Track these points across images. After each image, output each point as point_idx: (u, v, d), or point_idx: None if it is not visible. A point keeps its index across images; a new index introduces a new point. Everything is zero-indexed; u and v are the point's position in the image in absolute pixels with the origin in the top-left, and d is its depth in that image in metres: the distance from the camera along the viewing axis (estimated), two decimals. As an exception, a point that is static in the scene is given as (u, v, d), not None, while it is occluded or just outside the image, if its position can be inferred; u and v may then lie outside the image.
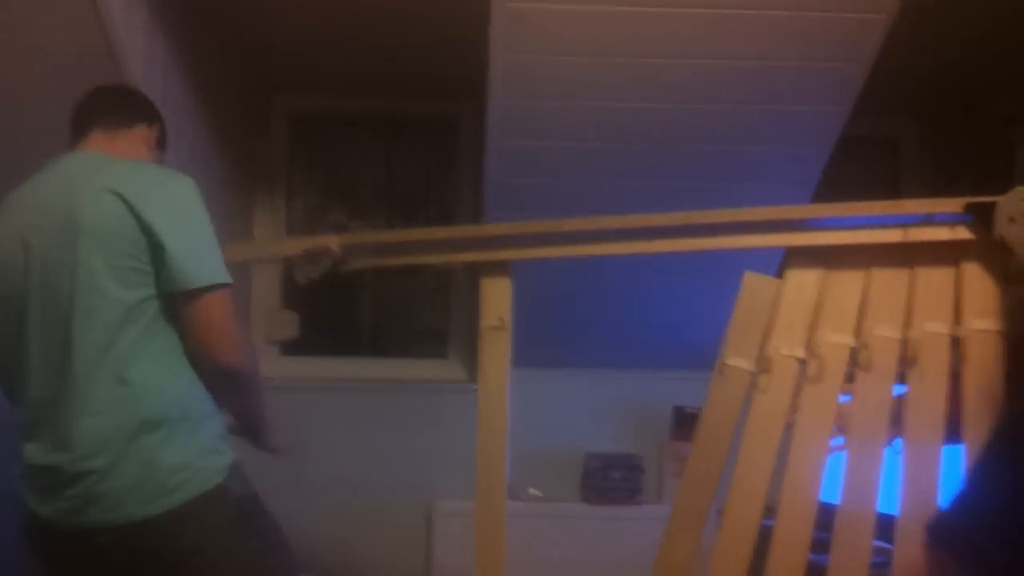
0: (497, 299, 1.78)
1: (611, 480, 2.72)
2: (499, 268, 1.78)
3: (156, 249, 1.33)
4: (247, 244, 1.73)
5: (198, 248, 1.39)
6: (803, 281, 1.62)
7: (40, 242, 1.37)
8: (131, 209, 1.33)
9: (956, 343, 1.54)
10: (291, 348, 2.80)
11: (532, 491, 2.73)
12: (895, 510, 1.52)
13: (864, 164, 3.07)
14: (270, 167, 2.85)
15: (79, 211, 1.35)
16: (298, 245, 1.83)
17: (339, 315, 3.00)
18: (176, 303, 1.36)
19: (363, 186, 2.95)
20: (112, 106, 1.54)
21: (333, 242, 1.79)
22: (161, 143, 1.60)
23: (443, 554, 2.60)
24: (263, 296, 2.84)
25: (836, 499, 1.57)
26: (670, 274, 2.48)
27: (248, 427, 1.56)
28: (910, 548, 1.47)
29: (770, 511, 1.60)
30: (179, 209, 1.39)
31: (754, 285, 1.65)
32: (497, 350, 1.78)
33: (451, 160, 2.88)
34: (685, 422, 2.73)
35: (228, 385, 1.46)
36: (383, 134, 2.94)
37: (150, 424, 1.33)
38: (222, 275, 1.38)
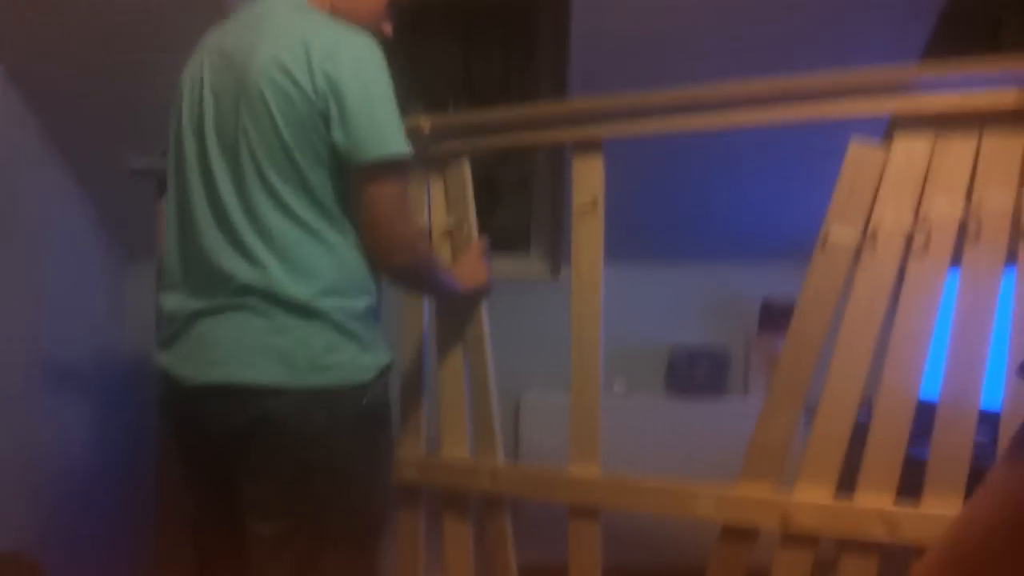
0: (589, 178, 1.74)
1: (696, 373, 2.71)
2: (591, 146, 1.73)
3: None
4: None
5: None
6: (911, 148, 1.54)
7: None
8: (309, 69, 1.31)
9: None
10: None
11: (618, 384, 2.74)
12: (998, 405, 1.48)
13: (964, 43, 2.90)
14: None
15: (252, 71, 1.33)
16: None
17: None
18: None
19: (440, 80, 2.91)
20: None
21: (424, 122, 1.77)
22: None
23: (530, 444, 2.65)
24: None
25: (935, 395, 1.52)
26: (760, 158, 2.40)
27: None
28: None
29: (866, 406, 1.57)
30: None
31: (860, 154, 1.57)
32: (590, 231, 1.75)
33: (530, 49, 2.81)
34: (774, 314, 2.69)
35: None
36: (458, 25, 2.88)
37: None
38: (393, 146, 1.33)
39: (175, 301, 1.42)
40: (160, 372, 1.44)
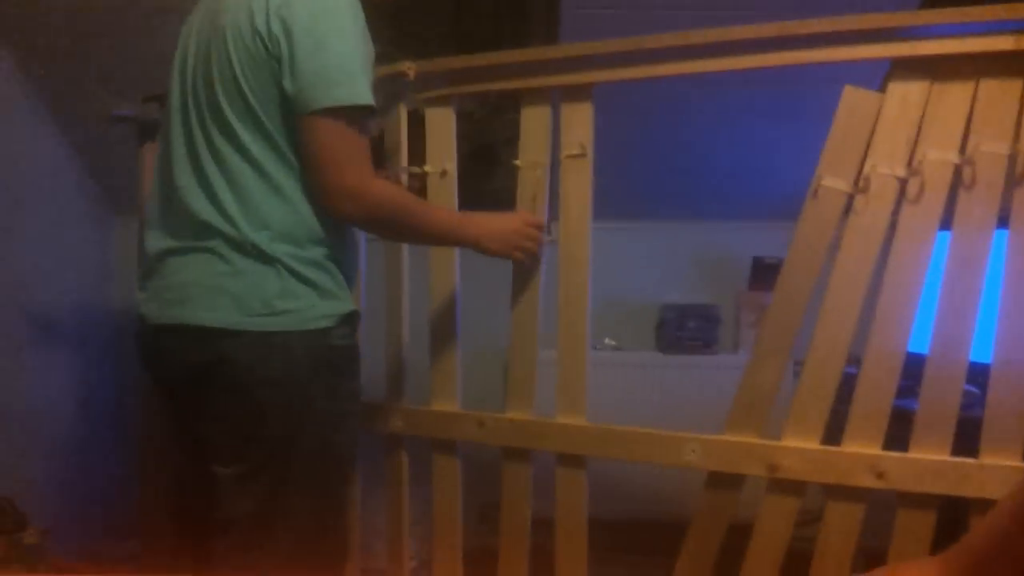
0: (578, 126, 1.71)
1: (686, 330, 2.71)
2: (580, 92, 1.70)
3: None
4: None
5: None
6: (907, 95, 1.52)
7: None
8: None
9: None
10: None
11: (608, 340, 2.74)
12: (988, 356, 1.46)
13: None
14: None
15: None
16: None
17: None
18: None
19: (430, 32, 2.86)
20: None
21: (408, 68, 1.74)
22: None
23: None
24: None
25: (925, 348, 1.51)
26: (753, 117, 2.38)
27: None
28: (1004, 394, 1.42)
29: (854, 360, 1.56)
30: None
31: (854, 100, 1.55)
32: (579, 180, 1.73)
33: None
34: (763, 272, 2.68)
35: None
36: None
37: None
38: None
39: (151, 239, 1.45)
40: (136, 309, 1.48)
